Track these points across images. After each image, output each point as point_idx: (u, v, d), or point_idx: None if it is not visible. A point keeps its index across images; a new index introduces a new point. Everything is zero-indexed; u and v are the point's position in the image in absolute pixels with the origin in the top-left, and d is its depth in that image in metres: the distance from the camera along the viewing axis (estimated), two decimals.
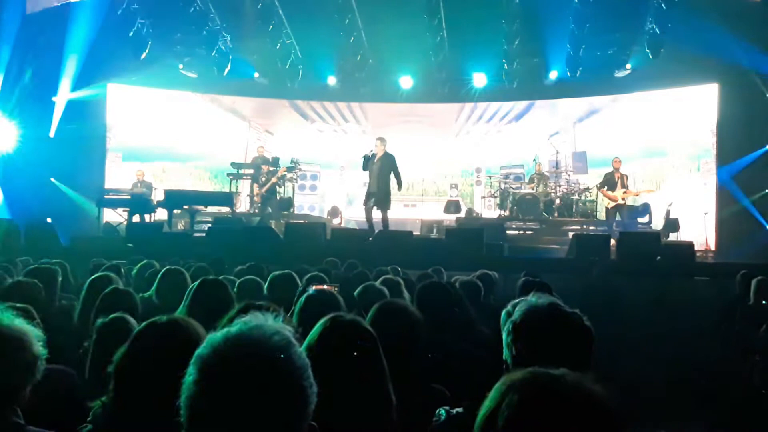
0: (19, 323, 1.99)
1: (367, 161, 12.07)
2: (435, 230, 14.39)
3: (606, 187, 13.86)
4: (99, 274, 4.59)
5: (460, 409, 2.11)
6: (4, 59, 13.93)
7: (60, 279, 4.74)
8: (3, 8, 13.67)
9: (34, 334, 2.00)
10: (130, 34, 15.19)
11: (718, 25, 12.90)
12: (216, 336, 1.28)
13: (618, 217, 13.80)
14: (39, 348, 1.99)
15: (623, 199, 13.75)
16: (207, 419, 1.21)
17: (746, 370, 4.99)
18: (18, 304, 3.13)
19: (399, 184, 12.01)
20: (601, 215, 14.60)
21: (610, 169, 14.05)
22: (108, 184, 15.56)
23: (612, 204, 13.77)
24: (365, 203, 12.28)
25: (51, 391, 2.32)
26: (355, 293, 3.96)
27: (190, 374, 1.25)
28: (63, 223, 12.31)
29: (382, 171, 11.97)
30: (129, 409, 1.91)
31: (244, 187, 15.91)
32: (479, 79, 16.89)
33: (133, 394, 1.92)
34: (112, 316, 2.94)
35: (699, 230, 14.06)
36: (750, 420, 4.63)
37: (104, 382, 2.07)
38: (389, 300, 3.22)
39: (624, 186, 13.78)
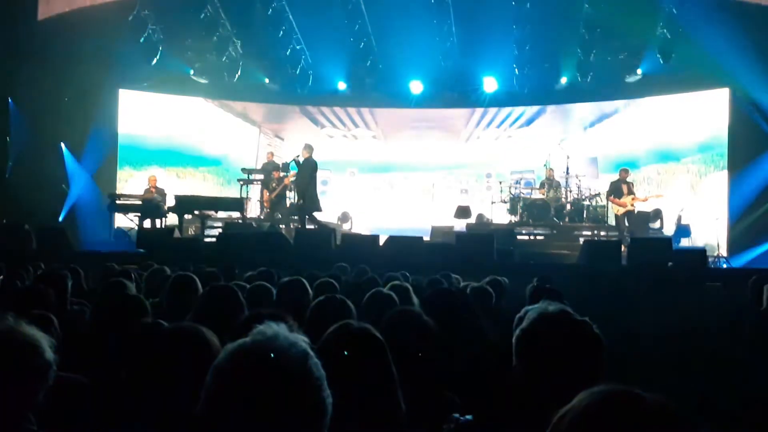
0: (32, 330, 2.00)
1: (298, 166, 12.69)
2: (445, 236, 14.33)
3: (613, 195, 13.91)
4: (112, 280, 4.60)
5: (469, 417, 2.11)
6: (16, 65, 14.01)
7: (71, 284, 4.75)
8: (15, 15, 13.76)
9: (46, 340, 2.01)
10: (141, 40, 15.26)
11: (729, 29, 12.85)
12: (234, 347, 1.28)
13: (627, 224, 13.80)
14: (51, 354, 2.00)
15: (632, 205, 13.81)
16: (226, 430, 1.22)
17: (758, 378, 4.94)
18: (36, 311, 3.15)
19: (302, 194, 12.49)
20: (612, 221, 14.58)
21: (616, 177, 14.06)
22: (119, 190, 15.59)
23: (621, 211, 13.81)
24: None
25: (66, 401, 2.33)
26: (363, 300, 3.94)
27: (209, 385, 1.26)
28: (75, 229, 12.36)
29: (299, 177, 12.67)
30: (142, 416, 1.92)
31: (254, 192, 15.94)
32: (490, 84, 16.87)
33: (144, 401, 1.93)
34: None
35: (710, 236, 13.99)
36: (762, 429, 4.58)
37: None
38: (402, 307, 3.20)
39: (631, 192, 13.84)
